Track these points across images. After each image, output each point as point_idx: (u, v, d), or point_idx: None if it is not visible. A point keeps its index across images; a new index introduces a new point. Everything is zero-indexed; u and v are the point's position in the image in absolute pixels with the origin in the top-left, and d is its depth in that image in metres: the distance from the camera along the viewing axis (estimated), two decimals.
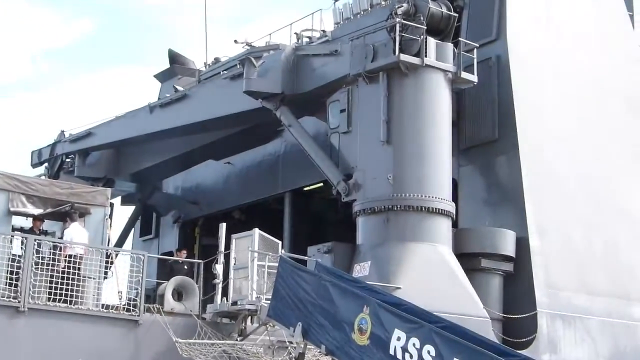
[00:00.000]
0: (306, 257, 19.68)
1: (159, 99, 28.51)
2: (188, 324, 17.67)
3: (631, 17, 26.06)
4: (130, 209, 31.52)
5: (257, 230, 18.29)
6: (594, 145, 23.29)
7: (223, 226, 18.65)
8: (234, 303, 17.83)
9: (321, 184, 23.80)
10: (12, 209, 18.73)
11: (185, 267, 20.15)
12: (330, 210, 23.82)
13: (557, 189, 22.27)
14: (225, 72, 25.62)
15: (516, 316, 20.74)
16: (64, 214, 19.15)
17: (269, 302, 17.00)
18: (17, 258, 17.15)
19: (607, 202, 22.96)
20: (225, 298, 17.97)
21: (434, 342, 13.96)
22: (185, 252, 21.63)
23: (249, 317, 17.85)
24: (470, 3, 23.56)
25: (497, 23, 22.82)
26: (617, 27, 24.79)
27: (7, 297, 16.46)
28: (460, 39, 21.71)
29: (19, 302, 16.44)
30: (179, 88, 27.20)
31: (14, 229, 19.10)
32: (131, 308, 17.54)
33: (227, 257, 18.35)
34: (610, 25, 24.62)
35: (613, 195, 23.16)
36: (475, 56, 21.66)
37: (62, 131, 29.62)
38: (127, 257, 19.04)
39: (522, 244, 21.27)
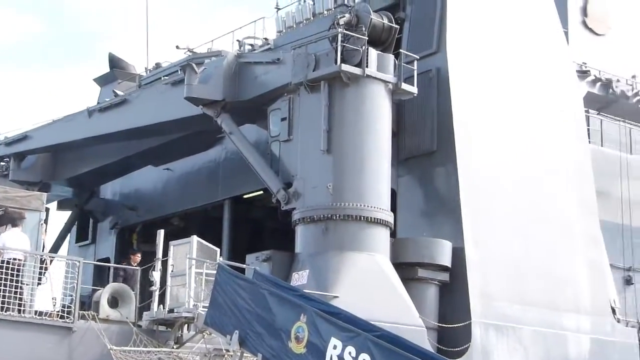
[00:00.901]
0: (244, 265, 19.49)
1: (98, 103, 28.33)
2: (123, 331, 17.39)
3: (566, 33, 26.46)
4: (66, 214, 31.17)
5: (195, 238, 18.14)
6: (531, 158, 23.51)
7: (161, 233, 18.36)
8: (171, 310, 17.61)
9: (261, 192, 23.73)
10: None
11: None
12: (270, 219, 23.67)
13: (494, 200, 22.41)
14: (166, 77, 25.52)
15: (451, 325, 20.82)
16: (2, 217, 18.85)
17: (206, 309, 16.90)
18: None
19: (543, 214, 23.17)
20: (162, 305, 17.73)
21: (370, 350, 13.97)
22: (139, 255, 21.25)
23: (186, 325, 17.64)
24: (412, 15, 23.64)
25: (438, 36, 22.89)
26: (553, 43, 25.06)
27: None
28: (401, 50, 21.86)
29: None
30: (119, 92, 26.94)
31: None
32: (65, 315, 17.15)
33: (165, 264, 18.07)
34: (546, 41, 24.89)
35: (548, 207, 23.38)
36: (415, 68, 21.72)
37: None
38: (62, 263, 18.76)
39: (458, 254, 21.35)
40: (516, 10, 24.53)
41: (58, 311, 17.35)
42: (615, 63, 28.97)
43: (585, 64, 26.90)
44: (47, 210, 24.28)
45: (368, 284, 19.83)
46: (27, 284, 17.64)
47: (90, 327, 17.13)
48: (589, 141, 25.96)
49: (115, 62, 30.45)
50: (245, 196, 25.91)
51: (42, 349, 16.80)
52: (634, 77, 28.20)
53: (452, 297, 21.30)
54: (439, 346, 20.22)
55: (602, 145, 27.63)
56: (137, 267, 19.47)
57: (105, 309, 17.74)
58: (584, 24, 30.52)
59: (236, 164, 23.86)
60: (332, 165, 20.68)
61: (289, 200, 21.20)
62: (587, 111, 26.31)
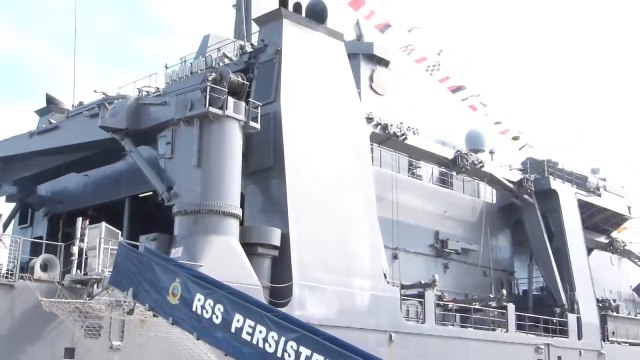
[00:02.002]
0: (138, 243, 19.31)
1: (37, 128, 27.56)
2: (51, 288, 16.97)
3: (359, 93, 27.20)
4: (12, 205, 30.21)
5: (104, 223, 17.98)
6: (335, 174, 23.77)
7: (79, 220, 18.11)
8: (85, 274, 17.32)
9: (151, 192, 23.29)
10: None
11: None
12: (158, 211, 23.01)
13: (309, 202, 22.62)
14: (86, 111, 24.97)
15: (278, 285, 21.00)
16: None
17: (110, 273, 16.64)
18: None
19: (341, 211, 23.51)
20: (79, 270, 17.40)
21: (223, 302, 14.02)
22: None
23: (96, 284, 17.25)
24: (258, 75, 23.78)
25: (275, 90, 23.05)
26: (350, 99, 25.46)
27: None
28: (250, 99, 21.87)
29: None
30: (52, 121, 26.36)
31: None
32: (8, 276, 16.69)
33: (82, 241, 17.69)
34: (346, 97, 25.26)
35: (345, 207, 23.72)
36: (259, 111, 21.88)
37: None
38: (8, 240, 18.13)
39: (285, 237, 21.53)
40: (327, 76, 24.81)
41: (4, 274, 16.79)
42: (390, 113, 29.91)
43: (371, 113, 27.44)
44: None
45: (223, 257, 19.83)
46: None
47: (27, 285, 16.71)
48: (372, 164, 26.39)
49: (50, 100, 29.84)
50: (140, 195, 25.44)
51: None
52: (401, 123, 29.04)
53: (280, 266, 21.38)
54: (271, 299, 20.26)
55: (380, 167, 28.48)
56: (61, 244, 18.85)
57: (38, 272, 17.25)
58: (371, 87, 31.54)
59: (134, 173, 23.38)
60: (200, 176, 20.60)
61: (170, 198, 21.08)
62: (371, 144, 26.78)
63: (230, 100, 20.94)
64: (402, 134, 28.38)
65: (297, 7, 25.25)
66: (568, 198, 34.29)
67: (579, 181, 36.43)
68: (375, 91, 31.64)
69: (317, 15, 25.21)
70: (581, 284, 32.49)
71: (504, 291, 30.59)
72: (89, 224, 18.28)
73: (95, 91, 25.43)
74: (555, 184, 34.07)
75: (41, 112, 29.98)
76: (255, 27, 26.48)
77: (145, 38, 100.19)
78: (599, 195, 37.31)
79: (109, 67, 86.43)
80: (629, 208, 39.59)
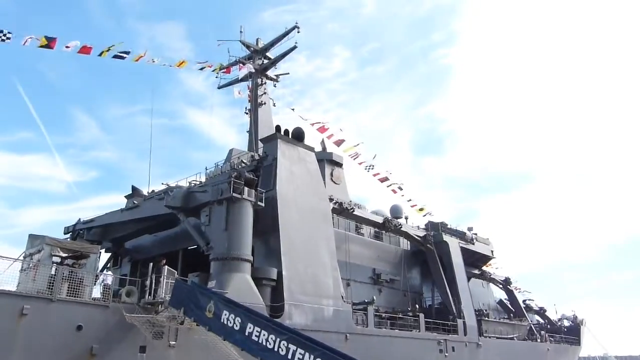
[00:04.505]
0: (187, 279, 19.10)
1: (126, 206, 27.05)
2: (132, 308, 16.81)
3: (325, 182, 27.31)
4: (108, 255, 28.88)
5: (166, 266, 17.74)
6: (310, 233, 23.56)
7: (151, 265, 17.84)
8: (154, 298, 17.10)
9: (196, 246, 23.06)
10: None
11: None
12: (200, 258, 22.33)
13: (294, 251, 22.43)
14: (156, 196, 24.88)
15: (275, 304, 20.73)
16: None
17: (169, 298, 16.44)
18: None
19: (315, 257, 23.29)
20: (150, 296, 17.17)
21: (240, 316, 14.05)
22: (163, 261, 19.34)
23: (160, 305, 17.07)
24: (262, 174, 23.90)
25: (273, 182, 23.21)
26: (319, 186, 25.51)
27: None
28: (258, 188, 22.04)
29: None
30: (135, 202, 26.05)
31: None
32: (105, 300, 16.47)
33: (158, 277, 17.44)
34: (316, 185, 25.31)
35: (318, 254, 23.50)
36: (263, 195, 22.01)
37: (79, 219, 27.21)
38: (109, 277, 17.81)
39: (279, 274, 21.32)
40: (304, 173, 24.96)
41: (103, 298, 16.49)
42: (344, 195, 30.20)
43: (332, 195, 27.57)
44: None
45: (241, 287, 19.63)
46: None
47: (117, 306, 16.59)
48: (333, 227, 26.19)
49: (134, 189, 29.32)
50: (189, 248, 25.16)
51: (91, 316, 15.81)
52: (350, 201, 29.23)
53: (277, 292, 21.14)
54: (271, 313, 19.96)
55: (338, 229, 28.39)
56: (138, 279, 18.50)
57: (123, 297, 17.07)
58: (331, 179, 31.86)
59: (185, 234, 23.09)
60: (227, 236, 20.50)
61: (208, 250, 20.90)
62: (333, 215, 26.75)
63: (246, 189, 21.15)
64: (351, 208, 28.50)
65: (286, 132, 25.67)
66: (454, 246, 34.48)
67: (460, 235, 36.75)
68: (334, 182, 31.91)
69: (298, 137, 25.72)
70: (465, 300, 32.35)
71: (417, 306, 30.41)
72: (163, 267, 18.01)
73: (162, 183, 25.57)
74: (446, 237, 34.26)
75: (128, 197, 29.59)
76: (260, 144, 26.77)
77: (193, 150, 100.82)
78: (473, 244, 37.60)
79: (171, 168, 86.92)
80: (492, 252, 39.89)
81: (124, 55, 26.32)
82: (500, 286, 42.63)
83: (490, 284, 42.68)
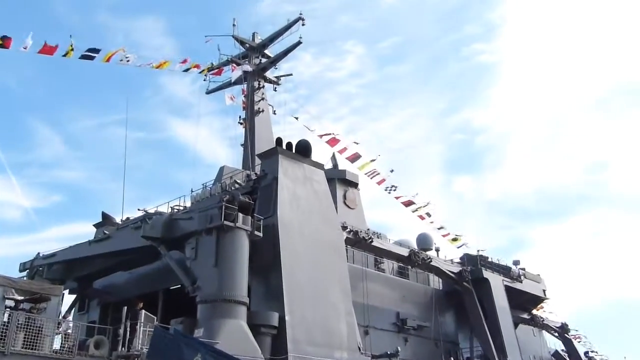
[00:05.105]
0: (169, 326, 19.08)
1: (94, 237, 27.35)
2: None
3: (336, 208, 27.45)
4: (73, 297, 29.14)
5: (143, 310, 17.92)
6: (319, 269, 23.60)
7: (125, 308, 18.07)
8: (128, 350, 17.23)
9: (180, 286, 23.12)
10: None
11: None
12: (185, 300, 22.23)
13: (299, 290, 22.45)
14: (132, 225, 25.05)
15: (277, 358, 20.62)
16: None
17: (148, 350, 16.53)
18: None
19: (325, 299, 23.28)
20: (123, 347, 17.31)
21: None
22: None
23: (136, 358, 17.17)
24: (260, 196, 24.13)
25: (273, 207, 23.38)
26: (329, 212, 25.69)
27: None
28: (254, 214, 22.18)
29: None
30: (106, 232, 26.30)
31: None
32: (69, 353, 16.65)
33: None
34: (326, 210, 25.51)
35: (328, 294, 23.51)
36: (261, 223, 22.15)
37: (39, 253, 27.48)
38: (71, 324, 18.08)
39: (282, 319, 21.31)
40: (312, 196, 25.16)
41: (65, 350, 16.70)
42: (359, 222, 30.36)
43: (345, 222, 27.68)
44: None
45: (234, 336, 19.61)
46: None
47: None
48: (347, 261, 26.25)
49: (105, 216, 29.62)
50: (171, 288, 25.22)
51: None
52: (368, 229, 29.40)
53: (278, 342, 21.08)
54: None
55: (353, 263, 28.51)
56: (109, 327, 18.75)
57: (91, 350, 17.18)
58: (344, 203, 32.09)
59: (167, 271, 23.14)
60: (217, 273, 20.58)
61: (194, 291, 20.98)
62: (346, 246, 26.80)
63: (240, 215, 21.25)
64: (369, 238, 28.57)
65: (289, 146, 25.96)
66: (497, 284, 34.38)
67: (504, 271, 36.64)
68: (347, 206, 32.17)
69: (304, 151, 25.97)
70: (511, 352, 32.13)
71: (452, 359, 30.23)
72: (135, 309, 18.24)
73: (138, 209, 25.95)
74: (487, 273, 34.24)
75: (97, 226, 29.96)
76: (258, 161, 27.09)
77: (176, 169, 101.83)
78: (521, 282, 37.42)
79: (149, 191, 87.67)
80: (544, 291, 39.67)
81: (93, 54, 27.02)
82: (556, 334, 42.30)
83: (543, 332, 42.30)
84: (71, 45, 25.76)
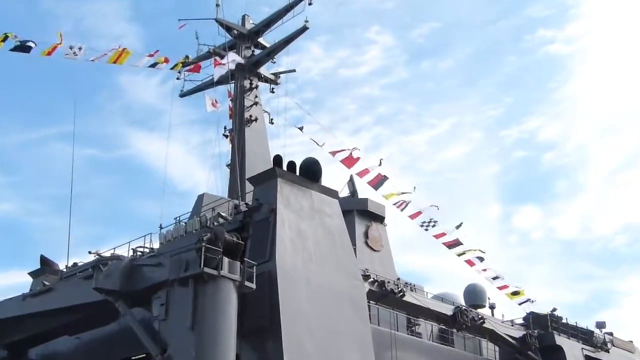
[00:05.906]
0: None
1: (30, 290, 27.36)
2: None
3: (355, 249, 27.14)
4: None
5: None
6: (332, 334, 23.40)
7: None
8: None
9: (145, 355, 22.92)
10: None
11: None
12: None
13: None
14: (80, 273, 25.00)
15: None
16: None
17: None
18: None
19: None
20: None
21: None
22: None
23: None
24: (253, 234, 24.09)
25: (270, 249, 23.24)
26: (346, 256, 25.60)
27: None
28: (245, 258, 22.03)
29: None
30: (46, 283, 26.29)
31: None
32: None
33: None
34: (341, 252, 25.42)
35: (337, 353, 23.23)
36: (254, 270, 21.96)
37: None
38: None
39: None
40: (322, 233, 25.09)
41: None
42: (387, 270, 30.19)
43: (367, 269, 27.56)
44: None
45: None
46: None
47: None
48: (370, 322, 25.94)
49: (44, 261, 29.73)
50: (133, 358, 24.89)
51: None
52: (398, 279, 29.25)
53: None
54: None
55: (378, 325, 28.14)
56: None
57: None
58: (366, 243, 32.00)
59: (128, 335, 22.99)
60: (194, 339, 20.33)
61: None
62: (369, 302, 26.56)
63: (225, 260, 21.11)
64: (400, 291, 28.44)
65: (291, 166, 25.89)
66: (574, 355, 34.05)
67: (585, 336, 36.27)
68: (371, 247, 32.11)
69: (311, 174, 25.95)
70: None
71: None
72: None
73: (89, 252, 25.80)
74: (560, 339, 33.93)
75: (35, 274, 29.97)
76: (249, 187, 27.00)
77: (139, 197, 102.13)
78: (607, 351, 37.01)
79: (103, 227, 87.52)
80: None
81: (30, 45, 27.23)
82: None
83: None
84: (4, 36, 26.00)
